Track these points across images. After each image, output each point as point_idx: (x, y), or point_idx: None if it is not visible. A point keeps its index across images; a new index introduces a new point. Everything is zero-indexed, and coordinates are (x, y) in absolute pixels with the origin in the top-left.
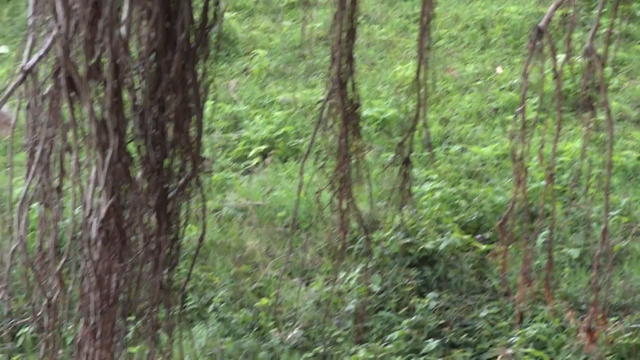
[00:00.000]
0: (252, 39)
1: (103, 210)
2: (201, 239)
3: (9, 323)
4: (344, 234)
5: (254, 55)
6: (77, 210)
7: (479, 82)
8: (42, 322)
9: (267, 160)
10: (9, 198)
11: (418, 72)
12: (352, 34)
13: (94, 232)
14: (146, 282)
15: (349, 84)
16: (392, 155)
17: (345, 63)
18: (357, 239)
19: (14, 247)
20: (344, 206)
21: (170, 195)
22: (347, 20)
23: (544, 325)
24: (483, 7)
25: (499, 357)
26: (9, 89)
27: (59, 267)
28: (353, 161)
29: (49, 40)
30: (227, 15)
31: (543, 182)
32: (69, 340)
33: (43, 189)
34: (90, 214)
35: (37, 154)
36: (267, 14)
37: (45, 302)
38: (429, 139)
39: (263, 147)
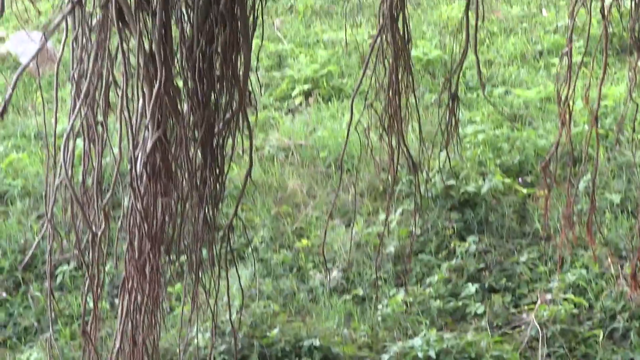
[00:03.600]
0: None
1: (149, 144)
2: (248, 173)
3: (50, 260)
4: (394, 171)
5: None
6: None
7: (524, 25)
8: (84, 258)
9: (311, 99)
10: (53, 133)
11: (467, 8)
12: None
13: (139, 166)
14: (190, 218)
15: (400, 18)
16: (435, 96)
17: None
18: (398, 180)
19: (58, 180)
20: (393, 143)
21: (216, 130)
22: None
23: (584, 271)
24: None
25: (538, 302)
26: (57, 20)
27: (105, 201)
28: (403, 99)
29: None
30: None
31: (586, 126)
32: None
33: (87, 123)
34: (136, 147)
35: (83, 87)
36: None
37: (89, 235)
38: (480, 77)
39: (306, 87)
